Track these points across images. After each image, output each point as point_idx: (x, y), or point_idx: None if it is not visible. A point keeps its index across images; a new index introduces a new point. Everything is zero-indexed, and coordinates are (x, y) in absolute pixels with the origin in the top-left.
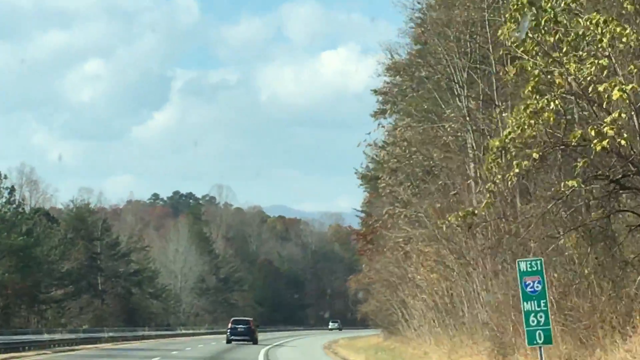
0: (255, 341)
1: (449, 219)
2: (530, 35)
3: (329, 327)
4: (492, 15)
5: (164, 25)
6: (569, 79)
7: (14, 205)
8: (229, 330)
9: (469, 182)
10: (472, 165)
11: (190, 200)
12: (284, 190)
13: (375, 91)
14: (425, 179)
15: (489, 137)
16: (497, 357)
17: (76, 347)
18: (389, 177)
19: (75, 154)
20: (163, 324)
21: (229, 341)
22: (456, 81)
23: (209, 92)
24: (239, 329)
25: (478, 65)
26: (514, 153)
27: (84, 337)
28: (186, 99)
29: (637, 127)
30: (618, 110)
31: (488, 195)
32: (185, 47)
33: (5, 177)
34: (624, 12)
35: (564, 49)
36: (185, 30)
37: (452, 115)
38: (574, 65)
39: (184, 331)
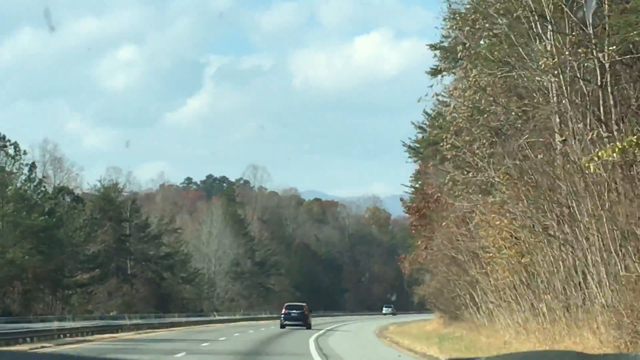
0: (308, 326)
1: (599, 154)
2: None
3: (383, 312)
4: None
5: (196, 10)
6: None
7: (34, 183)
8: (282, 315)
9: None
10: (557, 119)
11: (224, 184)
12: (317, 175)
13: (432, 46)
14: (501, 137)
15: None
16: (627, 350)
17: (88, 337)
18: (454, 138)
19: (108, 140)
20: (196, 310)
21: (282, 326)
22: (538, 17)
23: (242, 77)
24: (292, 314)
25: None
26: None
27: (103, 325)
28: (219, 84)
29: None
30: None
31: None
32: (218, 32)
33: (25, 153)
34: None
35: None
36: (218, 16)
37: (536, 59)
38: None
39: (217, 317)
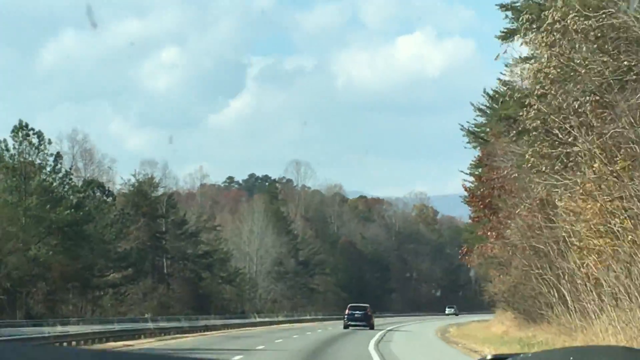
0: (371, 326)
1: None
2: None
3: (446, 312)
4: None
5: (238, 11)
6: None
7: (60, 175)
8: (346, 316)
9: None
10: None
11: (267, 183)
12: (360, 176)
13: (503, 6)
14: (603, 98)
15: None
16: None
17: (94, 347)
18: (539, 103)
19: (150, 142)
20: (237, 312)
21: (346, 326)
22: None
23: (285, 78)
24: (356, 315)
25: None
26: None
27: (120, 329)
28: (262, 85)
29: None
30: None
31: None
32: (261, 33)
33: (50, 142)
34: None
35: None
36: (260, 17)
37: None
38: None
39: (258, 319)
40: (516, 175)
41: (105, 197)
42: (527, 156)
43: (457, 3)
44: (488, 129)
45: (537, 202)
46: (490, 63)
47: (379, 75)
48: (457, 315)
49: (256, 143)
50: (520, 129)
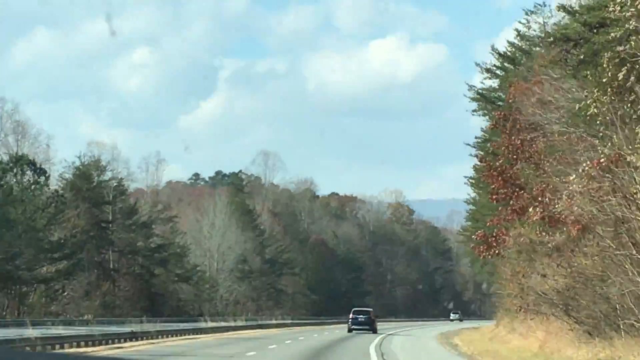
0: (375, 330)
1: None
2: None
3: (451, 318)
4: None
5: (211, 14)
6: None
7: None
8: (350, 320)
9: None
10: None
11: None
12: (332, 179)
13: None
14: None
15: None
16: None
17: None
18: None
19: (122, 142)
20: (194, 314)
21: (350, 330)
22: None
23: (257, 81)
24: (359, 319)
25: None
26: None
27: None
28: (233, 88)
29: None
30: None
31: None
32: (233, 36)
33: None
34: None
35: None
36: (233, 19)
37: None
38: None
39: (210, 324)
40: (570, 130)
41: (37, 177)
42: (593, 96)
43: (430, 8)
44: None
45: (603, 163)
46: (461, 68)
47: (352, 79)
48: (461, 321)
49: (226, 144)
50: (582, 57)
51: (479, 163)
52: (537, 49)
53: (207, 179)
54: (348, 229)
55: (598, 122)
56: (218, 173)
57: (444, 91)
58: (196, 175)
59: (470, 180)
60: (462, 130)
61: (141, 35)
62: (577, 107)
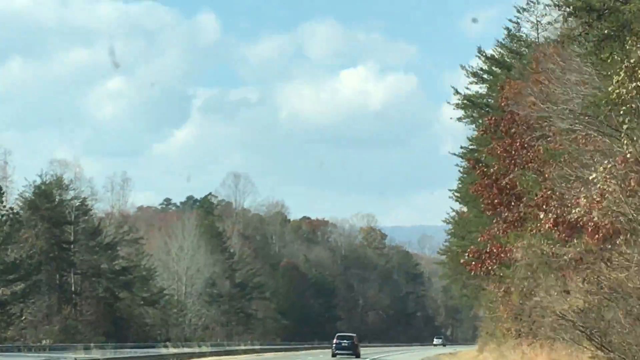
0: (358, 355)
1: None
2: None
3: (434, 343)
4: None
5: (185, 44)
6: None
7: None
8: (334, 345)
9: None
10: None
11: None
12: (303, 205)
13: None
14: None
15: None
16: None
17: None
18: None
19: (97, 169)
20: (162, 339)
21: (334, 355)
22: None
23: (229, 109)
24: (343, 344)
25: None
26: None
27: None
28: (206, 116)
29: None
30: None
31: None
32: (206, 65)
33: None
34: None
35: None
36: (207, 49)
37: None
38: None
39: (173, 351)
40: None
41: None
42: (618, 78)
43: (400, 39)
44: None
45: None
46: (430, 98)
47: (323, 107)
48: (444, 346)
49: (199, 172)
50: (606, 32)
51: (464, 176)
52: (527, 50)
53: (178, 204)
54: (320, 253)
55: (622, 112)
56: (189, 198)
57: (413, 120)
58: (167, 200)
59: (456, 194)
60: (431, 158)
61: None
62: (589, 98)
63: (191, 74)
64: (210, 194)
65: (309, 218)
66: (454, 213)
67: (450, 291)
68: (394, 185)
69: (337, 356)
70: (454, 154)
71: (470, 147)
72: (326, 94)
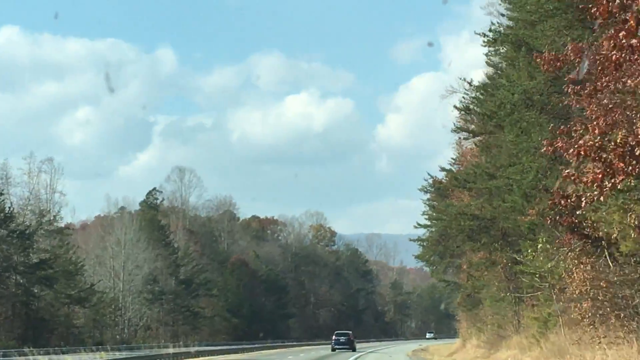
0: (354, 349)
1: None
2: None
3: (427, 336)
4: None
5: (146, 75)
6: None
7: None
8: (333, 341)
9: None
10: None
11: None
12: (252, 207)
13: None
14: None
15: None
16: None
17: None
18: None
19: (67, 191)
20: (94, 342)
21: (333, 349)
22: None
23: (187, 134)
24: (341, 340)
25: None
26: None
27: None
28: (166, 140)
29: None
30: None
31: None
32: (166, 94)
33: None
34: None
35: None
36: (166, 80)
37: None
38: None
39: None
40: None
41: None
42: None
43: (339, 67)
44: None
45: None
46: (365, 120)
47: (270, 130)
48: (436, 339)
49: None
50: None
51: None
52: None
53: (132, 211)
54: (270, 250)
55: None
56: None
57: (351, 140)
58: (122, 209)
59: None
60: (367, 174)
61: (84, 95)
62: None
63: (152, 103)
64: (154, 188)
65: (257, 217)
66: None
67: (398, 288)
68: (335, 199)
69: (336, 350)
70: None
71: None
72: (273, 118)
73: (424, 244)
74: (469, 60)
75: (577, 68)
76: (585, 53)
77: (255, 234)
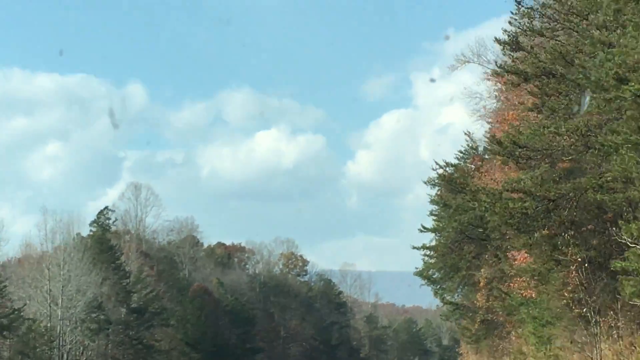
0: None
1: None
2: None
3: None
4: None
5: (116, 110)
6: None
7: None
8: None
9: None
10: None
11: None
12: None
13: None
14: None
15: None
16: None
17: None
18: None
19: (33, 225)
20: None
21: None
22: None
23: (157, 170)
24: None
25: None
26: None
27: None
28: (136, 176)
29: None
30: None
31: None
32: (136, 130)
33: None
34: None
35: None
36: (135, 115)
37: None
38: None
39: None
40: None
41: None
42: None
43: (309, 103)
44: None
45: None
46: (335, 156)
47: (240, 166)
48: None
49: None
50: None
51: None
52: None
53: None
54: (236, 279)
55: None
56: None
57: (321, 176)
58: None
59: None
60: (337, 211)
61: (53, 130)
62: None
63: (122, 138)
64: (106, 207)
65: (223, 244)
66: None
67: (374, 321)
68: (304, 236)
69: None
70: None
71: None
72: (243, 153)
73: (430, 254)
74: (439, 97)
75: None
76: None
77: (220, 260)
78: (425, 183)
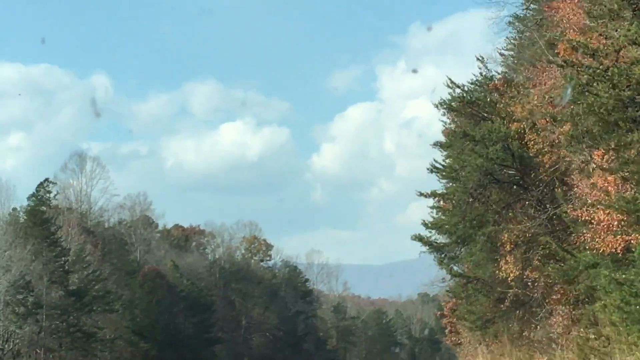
0: None
1: None
2: None
3: None
4: None
5: (79, 101)
6: None
7: None
8: None
9: None
10: None
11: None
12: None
13: None
14: None
15: None
16: None
17: None
18: None
19: None
20: None
21: None
22: None
23: (121, 162)
24: None
25: None
26: None
27: None
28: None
29: None
30: None
31: None
32: (100, 121)
33: None
34: None
35: None
36: (100, 106)
37: None
38: None
39: None
40: None
41: None
42: None
43: (274, 96)
44: None
45: None
46: (301, 149)
47: (205, 158)
48: None
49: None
50: None
51: None
52: None
53: None
54: (194, 263)
55: None
56: None
57: (286, 169)
58: None
59: None
60: (302, 204)
61: (17, 120)
62: None
63: (85, 130)
64: (47, 180)
65: (181, 226)
66: None
67: (342, 312)
68: (269, 227)
69: None
70: None
71: None
72: (208, 146)
73: (440, 202)
74: (405, 91)
75: None
76: None
77: (176, 242)
78: (436, 106)
